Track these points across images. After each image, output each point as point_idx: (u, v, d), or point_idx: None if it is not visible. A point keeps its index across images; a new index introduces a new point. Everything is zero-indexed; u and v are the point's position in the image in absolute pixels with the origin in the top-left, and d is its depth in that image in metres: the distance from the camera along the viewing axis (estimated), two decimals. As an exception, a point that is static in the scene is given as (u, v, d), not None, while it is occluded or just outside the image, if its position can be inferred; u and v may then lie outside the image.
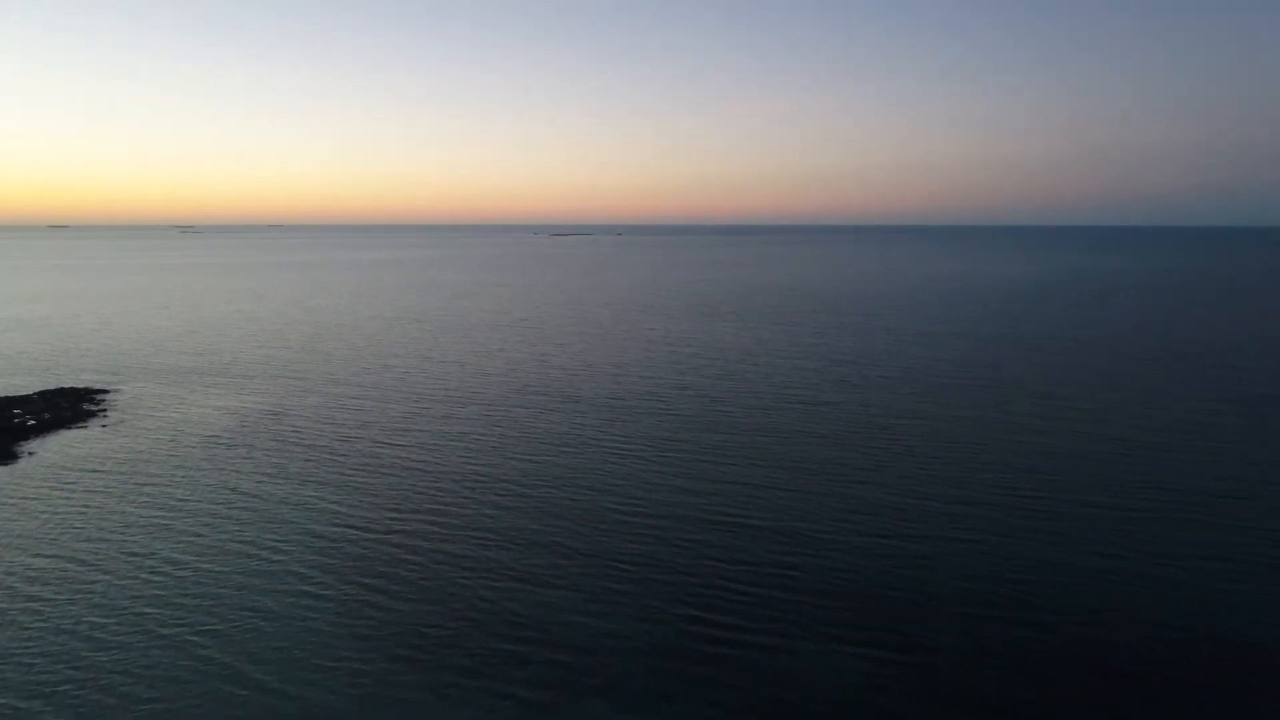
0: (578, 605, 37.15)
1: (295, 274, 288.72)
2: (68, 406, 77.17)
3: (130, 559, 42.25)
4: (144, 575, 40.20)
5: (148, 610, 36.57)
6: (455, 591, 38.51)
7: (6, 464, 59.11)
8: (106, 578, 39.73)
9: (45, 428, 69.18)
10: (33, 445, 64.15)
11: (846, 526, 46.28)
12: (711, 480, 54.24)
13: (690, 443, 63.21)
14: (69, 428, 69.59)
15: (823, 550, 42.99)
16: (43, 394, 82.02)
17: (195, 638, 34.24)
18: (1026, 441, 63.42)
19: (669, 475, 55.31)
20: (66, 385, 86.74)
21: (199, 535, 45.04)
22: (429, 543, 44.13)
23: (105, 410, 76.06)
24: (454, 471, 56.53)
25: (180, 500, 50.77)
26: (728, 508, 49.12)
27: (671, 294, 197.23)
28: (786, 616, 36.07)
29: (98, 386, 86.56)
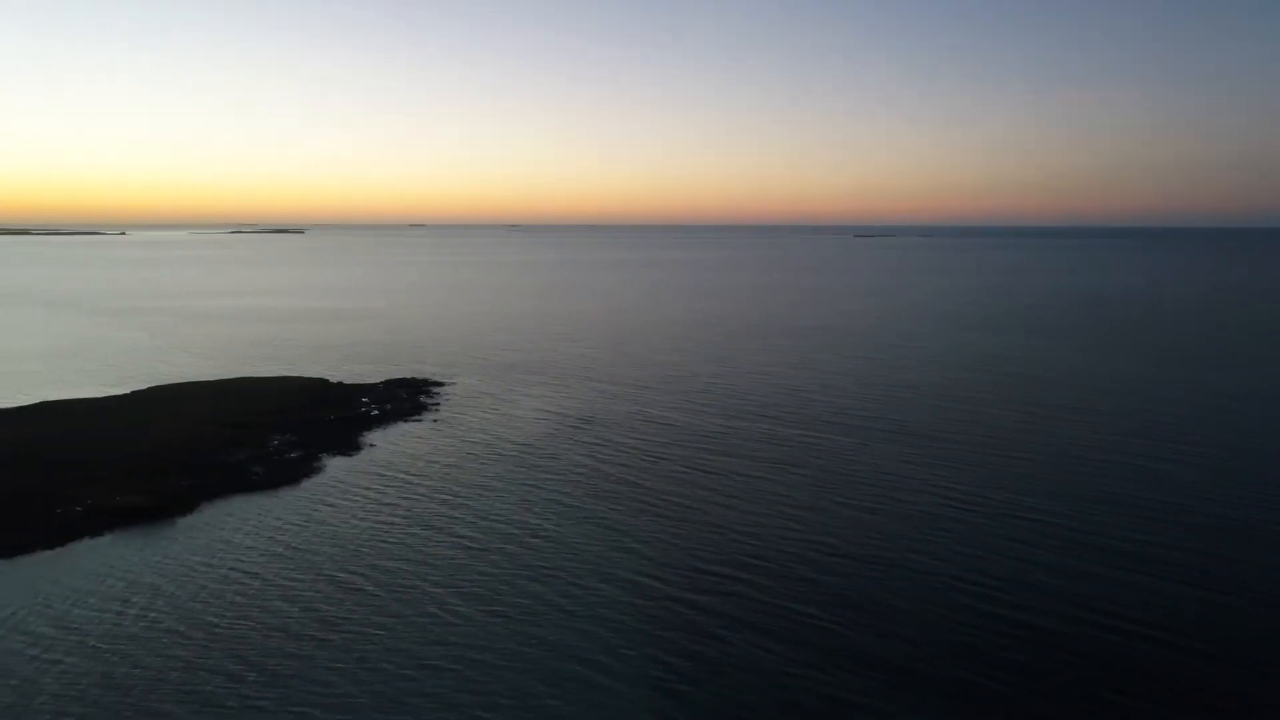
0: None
1: (602, 272, 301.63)
2: (406, 398, 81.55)
3: (417, 591, 40.05)
4: (424, 620, 37.14)
5: (424, 669, 33.27)
6: (775, 682, 31.51)
7: (349, 455, 62.06)
8: (389, 620, 36.82)
9: (385, 418, 72.88)
10: (373, 436, 67.32)
11: (1329, 663, 32.92)
12: (1082, 566, 42.55)
13: (1046, 510, 51.30)
14: (405, 420, 72.74)
15: (1300, 699, 30.46)
16: (387, 383, 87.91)
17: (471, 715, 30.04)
18: None
19: (1024, 547, 44.40)
20: (406, 376, 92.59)
21: (491, 572, 41.69)
22: (739, 607, 37.66)
23: (437, 404, 79.18)
24: (765, 513, 49.82)
25: (485, 521, 48.82)
26: (1106, 607, 37.56)
27: (990, 302, 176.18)
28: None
29: (434, 379, 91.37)
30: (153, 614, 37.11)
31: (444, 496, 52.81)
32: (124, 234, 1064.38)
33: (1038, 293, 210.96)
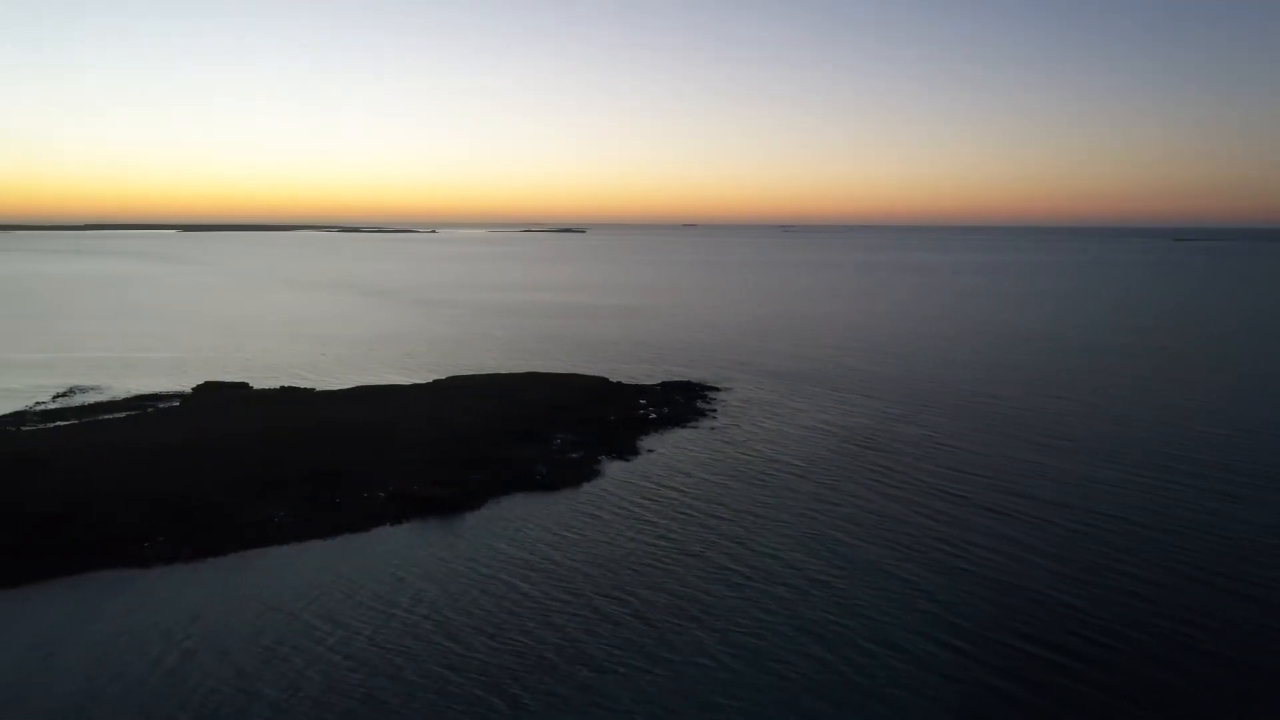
0: None
1: (881, 274, 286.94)
2: (683, 402, 79.73)
3: (679, 635, 36.83)
4: (687, 669, 33.90)
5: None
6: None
7: (626, 459, 60.82)
8: (648, 664, 33.84)
9: (662, 423, 71.29)
10: (650, 441, 65.79)
11: None
12: None
13: None
14: (681, 426, 70.71)
15: None
16: (664, 385, 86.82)
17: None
18: None
19: None
20: (683, 378, 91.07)
21: (762, 620, 37.15)
22: (1064, 705, 30.54)
23: (713, 411, 76.52)
24: (1095, 583, 41.32)
25: (757, 556, 44.48)
26: None
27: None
28: None
29: (709, 383, 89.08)
30: (414, 617, 37.20)
31: (714, 521, 49.22)
32: (434, 231, 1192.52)
33: None
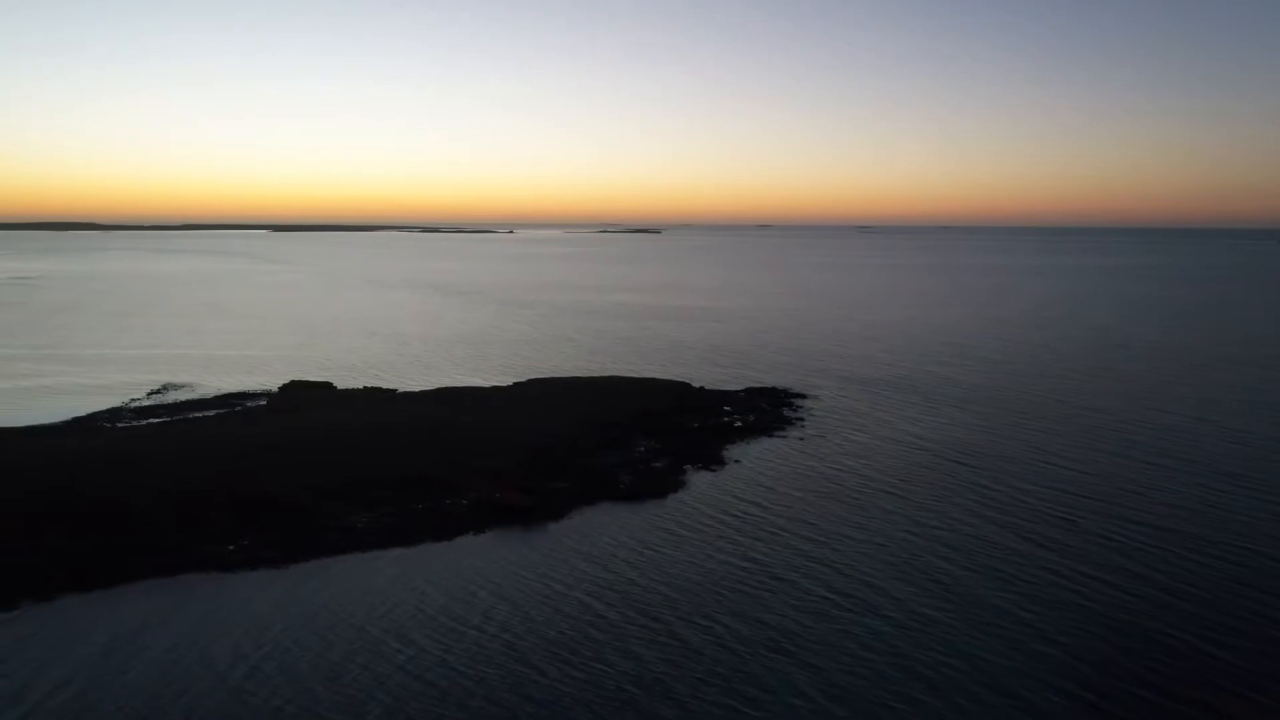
0: None
1: (972, 277, 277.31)
2: (768, 409, 77.09)
3: (769, 673, 34.27)
4: (778, 715, 31.32)
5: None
6: None
7: (712, 470, 58.64)
8: (736, 706, 31.62)
9: (748, 431, 68.86)
10: (736, 451, 63.44)
11: None
12: None
13: None
14: (767, 435, 68.16)
15: None
16: (748, 391, 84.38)
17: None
18: None
19: None
20: (767, 384, 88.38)
21: (863, 658, 34.19)
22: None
23: (801, 419, 73.69)
24: (1228, 622, 37.40)
25: (849, 582, 41.48)
26: None
27: None
28: None
29: (795, 389, 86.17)
30: (485, 637, 35.65)
31: (804, 543, 46.25)
32: (511, 232, 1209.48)
33: None
